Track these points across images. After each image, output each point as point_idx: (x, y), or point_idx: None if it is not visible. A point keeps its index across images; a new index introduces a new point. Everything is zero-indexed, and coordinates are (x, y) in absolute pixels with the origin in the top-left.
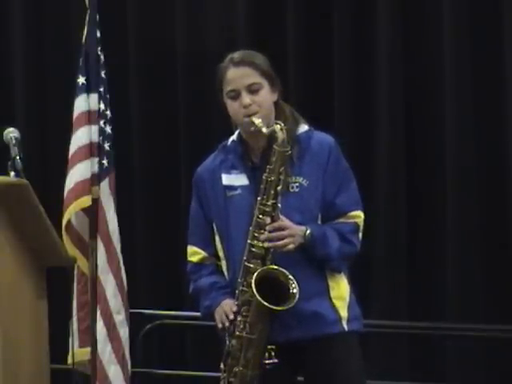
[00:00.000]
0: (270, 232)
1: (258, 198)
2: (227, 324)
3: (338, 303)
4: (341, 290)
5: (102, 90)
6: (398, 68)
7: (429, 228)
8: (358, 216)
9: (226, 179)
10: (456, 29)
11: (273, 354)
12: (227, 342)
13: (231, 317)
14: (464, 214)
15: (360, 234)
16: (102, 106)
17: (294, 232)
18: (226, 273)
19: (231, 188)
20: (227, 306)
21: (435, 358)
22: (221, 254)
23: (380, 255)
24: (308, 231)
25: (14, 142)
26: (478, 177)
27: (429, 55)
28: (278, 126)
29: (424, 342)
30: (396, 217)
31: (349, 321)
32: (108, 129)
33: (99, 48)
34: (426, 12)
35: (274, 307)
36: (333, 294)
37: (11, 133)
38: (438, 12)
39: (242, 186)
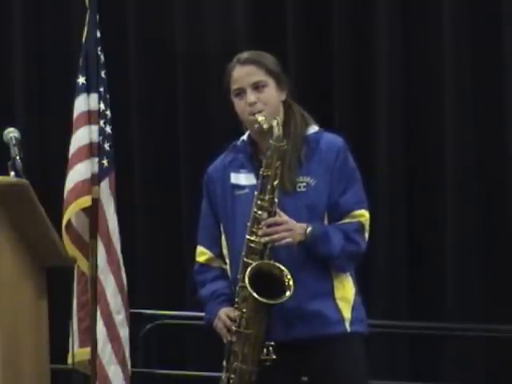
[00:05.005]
0: (266, 227)
1: (255, 193)
2: (229, 338)
3: (341, 304)
4: (346, 291)
5: (101, 90)
6: (398, 69)
7: (429, 228)
8: (362, 215)
9: (235, 178)
10: (456, 29)
11: (271, 349)
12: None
13: (233, 328)
14: (464, 214)
15: (366, 234)
16: (102, 106)
17: (290, 227)
18: (229, 272)
19: (239, 187)
20: (225, 316)
21: (435, 358)
22: (225, 251)
23: (380, 255)
24: (309, 229)
25: (14, 141)
26: (479, 177)
27: (429, 56)
28: (275, 121)
29: (424, 342)
30: (396, 217)
31: (352, 322)
32: (108, 129)
33: (99, 48)
34: (427, 12)
35: (266, 300)
36: (337, 294)
37: (11, 133)
38: (438, 13)
39: (249, 186)
